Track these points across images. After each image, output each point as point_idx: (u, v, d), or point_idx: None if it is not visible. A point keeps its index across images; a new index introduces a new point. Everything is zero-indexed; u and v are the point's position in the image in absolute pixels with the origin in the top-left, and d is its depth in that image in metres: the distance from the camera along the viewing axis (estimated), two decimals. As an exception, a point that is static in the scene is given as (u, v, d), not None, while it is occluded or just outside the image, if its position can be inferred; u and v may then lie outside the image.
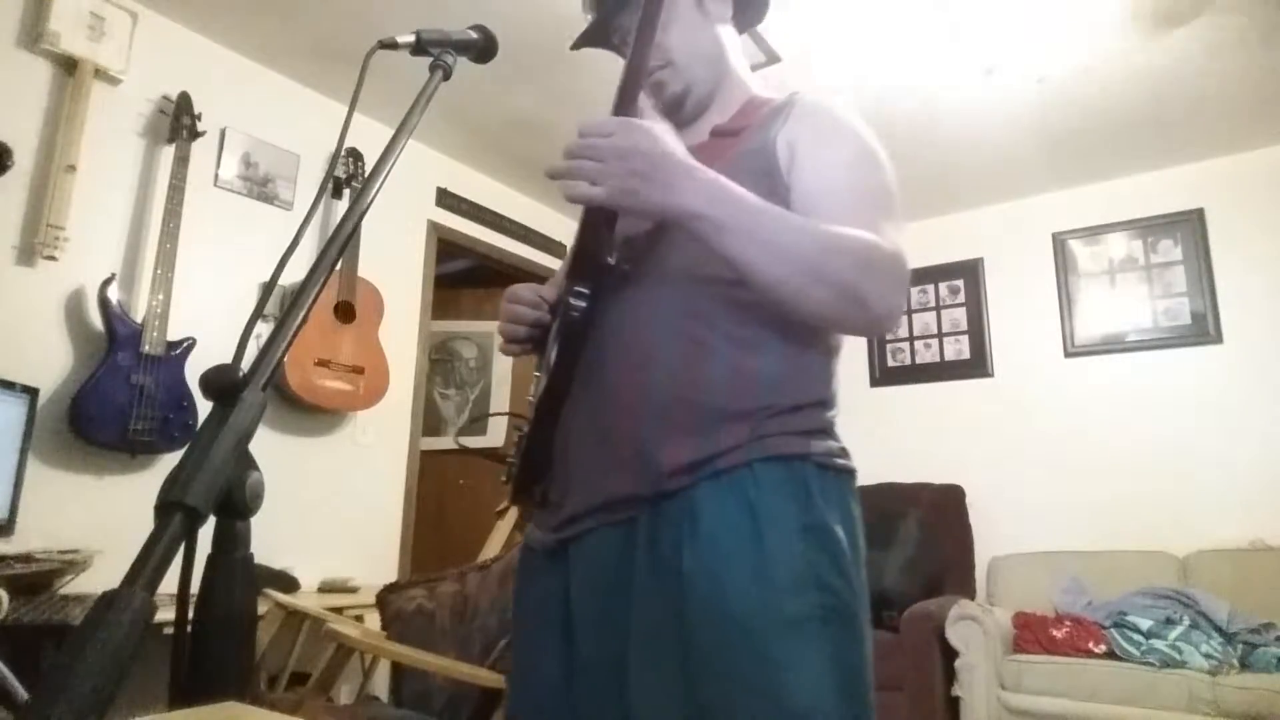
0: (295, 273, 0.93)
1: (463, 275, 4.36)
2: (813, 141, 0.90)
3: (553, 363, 0.88)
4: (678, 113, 1.04)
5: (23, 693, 1.35)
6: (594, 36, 1.07)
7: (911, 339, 4.30)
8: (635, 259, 0.89)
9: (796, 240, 0.79)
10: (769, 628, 0.75)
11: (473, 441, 4.17)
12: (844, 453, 0.88)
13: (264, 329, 2.41)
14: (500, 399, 4.23)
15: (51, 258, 2.26)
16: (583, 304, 0.85)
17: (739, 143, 0.95)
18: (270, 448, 2.74)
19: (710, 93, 1.02)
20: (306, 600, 2.36)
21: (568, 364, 0.88)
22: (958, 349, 4.15)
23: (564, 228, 4.20)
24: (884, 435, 4.19)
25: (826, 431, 0.88)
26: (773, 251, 0.78)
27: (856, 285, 0.79)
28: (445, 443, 4.10)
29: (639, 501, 0.84)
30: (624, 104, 0.82)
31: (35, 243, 2.25)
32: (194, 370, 2.46)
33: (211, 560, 0.54)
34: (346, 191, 3.11)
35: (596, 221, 0.84)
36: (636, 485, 0.83)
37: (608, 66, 0.95)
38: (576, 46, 1.10)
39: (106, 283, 2.33)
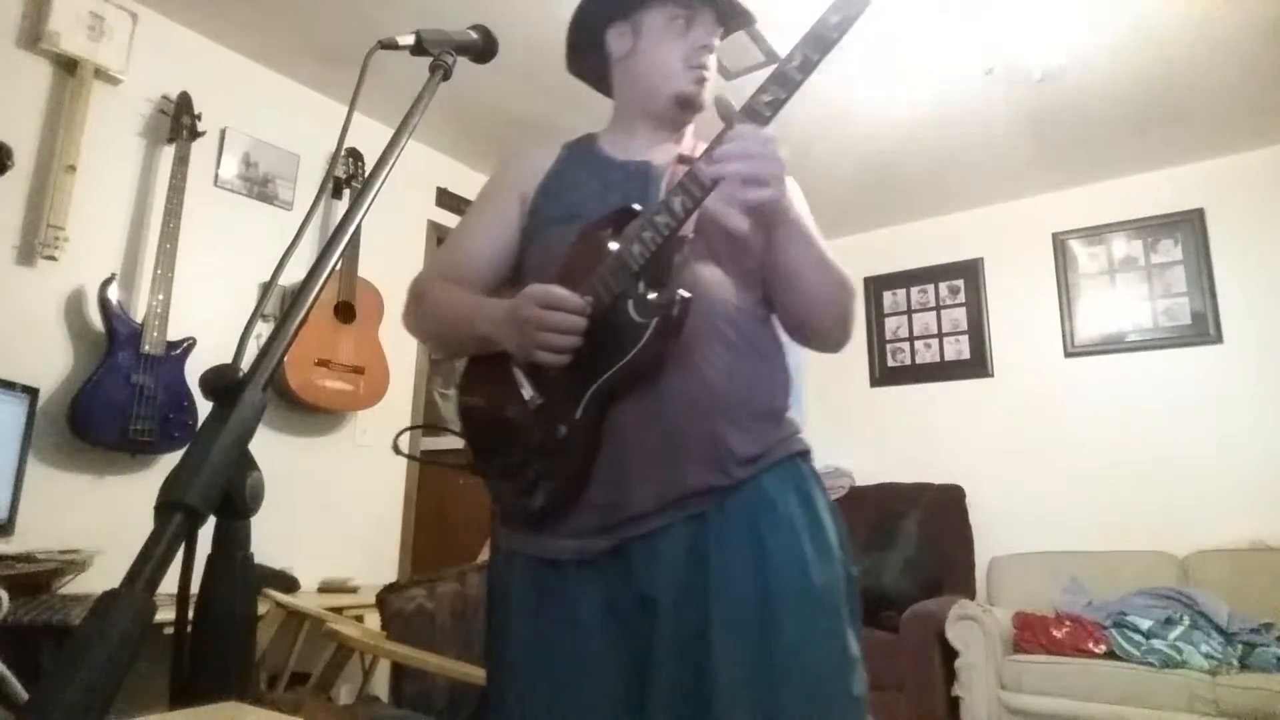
0: (295, 273, 0.93)
1: (463, 275, 4.35)
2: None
3: (623, 366, 0.90)
4: (684, 114, 1.09)
5: (23, 693, 1.35)
6: None
7: (911, 339, 4.30)
8: (685, 263, 0.98)
9: (827, 261, 0.98)
10: (834, 589, 0.91)
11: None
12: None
13: (264, 329, 2.41)
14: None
15: (51, 258, 2.26)
16: (690, 300, 0.88)
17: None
18: (270, 448, 2.74)
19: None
20: (306, 600, 2.36)
21: (652, 364, 0.90)
22: (958, 349, 4.15)
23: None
24: (884, 435, 4.20)
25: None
26: (816, 268, 0.98)
27: (850, 309, 1.02)
28: (446, 443, 4.08)
29: (714, 493, 0.92)
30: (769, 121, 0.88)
31: (35, 243, 2.25)
32: (194, 370, 2.46)
33: (211, 560, 0.54)
34: (346, 191, 3.11)
35: (682, 221, 0.90)
36: (713, 477, 0.92)
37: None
38: None
39: (106, 283, 2.33)
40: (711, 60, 1.07)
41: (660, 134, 1.10)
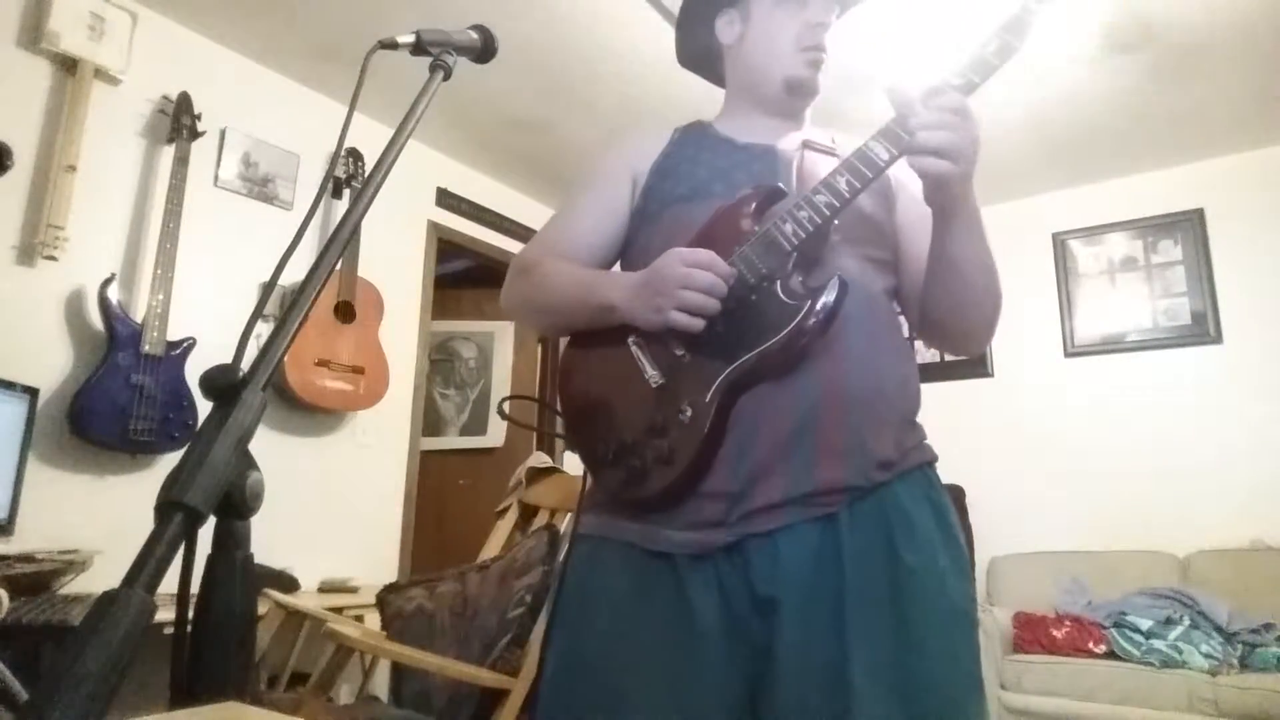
0: (295, 273, 0.93)
1: (463, 275, 4.36)
2: (907, 179, 0.97)
3: (764, 351, 0.84)
4: (796, 100, 1.07)
5: (23, 693, 1.35)
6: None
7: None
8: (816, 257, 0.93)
9: (991, 260, 0.94)
10: (968, 615, 0.88)
11: (471, 442, 4.17)
12: None
13: (264, 329, 2.41)
14: (500, 398, 4.22)
15: (51, 258, 2.26)
16: (839, 295, 0.83)
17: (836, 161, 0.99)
18: (270, 448, 2.74)
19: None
20: (306, 600, 2.36)
21: (799, 351, 0.84)
22: (958, 349, 4.14)
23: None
24: (884, 435, 4.20)
25: None
26: (984, 256, 0.93)
27: (999, 309, 0.98)
28: (446, 443, 4.10)
29: (846, 492, 0.86)
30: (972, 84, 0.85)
31: (35, 243, 2.25)
32: (194, 370, 2.46)
33: (211, 560, 0.54)
34: (346, 191, 3.12)
35: (847, 201, 0.85)
36: (848, 476, 0.86)
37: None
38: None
39: (106, 283, 2.33)
40: (829, 40, 1.02)
41: (775, 121, 1.06)
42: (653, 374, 0.89)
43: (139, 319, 2.36)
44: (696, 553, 0.86)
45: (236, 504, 0.53)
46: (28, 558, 1.94)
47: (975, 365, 4.07)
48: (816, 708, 0.80)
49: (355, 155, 3.13)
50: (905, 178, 0.97)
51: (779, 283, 0.85)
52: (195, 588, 0.53)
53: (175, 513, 0.47)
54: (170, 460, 2.39)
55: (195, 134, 2.56)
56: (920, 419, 1.03)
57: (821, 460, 0.85)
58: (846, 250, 0.93)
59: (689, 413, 0.86)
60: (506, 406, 1.20)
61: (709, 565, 0.86)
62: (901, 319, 1.06)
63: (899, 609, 0.83)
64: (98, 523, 2.28)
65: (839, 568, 0.84)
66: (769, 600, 0.83)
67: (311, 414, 2.92)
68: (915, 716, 0.80)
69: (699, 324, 0.85)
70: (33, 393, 2.10)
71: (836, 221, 0.88)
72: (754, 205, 0.91)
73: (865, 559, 0.84)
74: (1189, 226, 3.63)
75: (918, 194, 0.89)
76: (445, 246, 3.65)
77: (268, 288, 0.80)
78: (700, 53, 1.14)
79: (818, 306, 0.83)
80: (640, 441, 0.89)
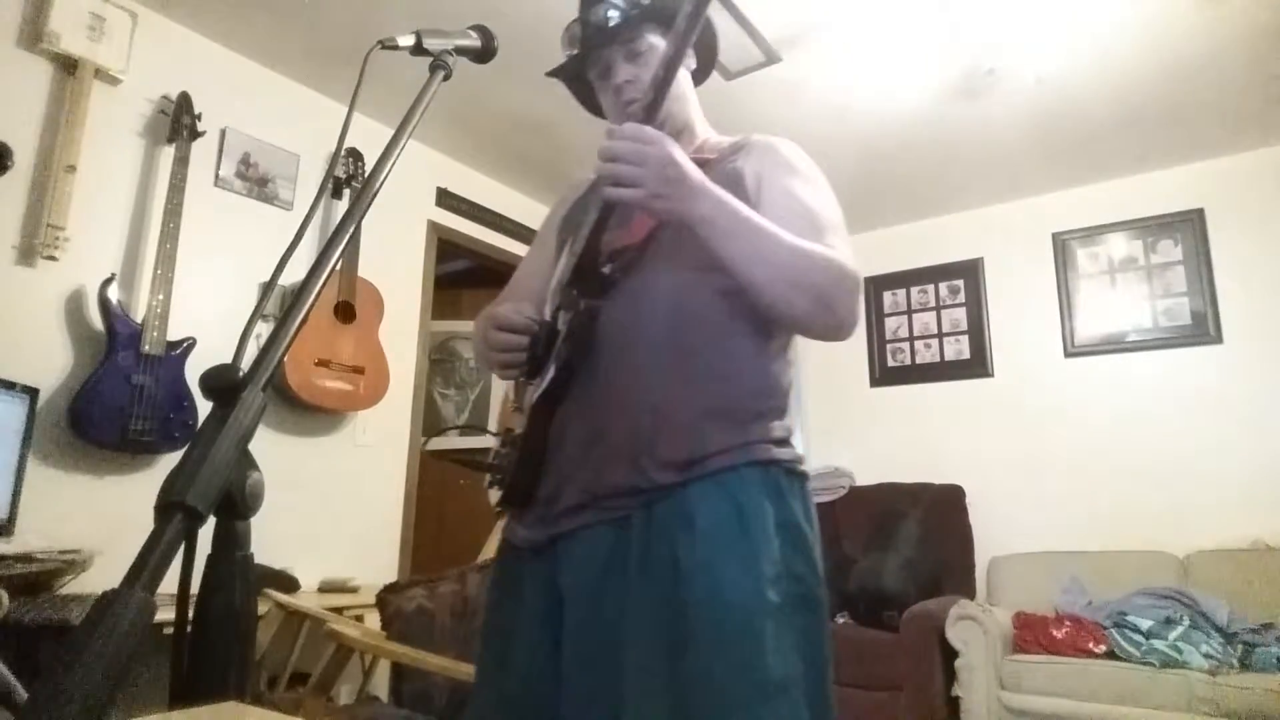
0: (295, 273, 0.93)
1: (463, 275, 4.36)
2: (777, 173, 1.03)
3: (555, 370, 0.95)
4: None
5: (23, 693, 1.35)
6: (569, 70, 1.17)
7: (911, 339, 4.30)
8: (626, 269, 0.98)
9: (781, 250, 0.90)
10: (757, 614, 0.85)
11: (472, 442, 4.17)
12: (802, 459, 1.00)
13: (264, 329, 2.41)
14: (499, 399, 4.22)
15: (51, 258, 2.26)
16: (593, 312, 0.93)
17: (708, 170, 1.03)
18: (270, 448, 2.74)
19: (680, 128, 1.12)
20: (306, 600, 2.36)
21: (571, 369, 0.95)
22: (958, 349, 4.15)
23: (564, 228, 4.19)
24: (884, 435, 4.20)
25: (788, 440, 0.99)
26: (762, 257, 0.90)
27: (827, 293, 0.92)
28: (446, 443, 4.10)
29: (634, 494, 0.91)
30: (650, 119, 0.90)
31: (35, 243, 2.25)
32: (194, 370, 2.46)
33: (211, 560, 0.54)
34: (346, 191, 3.11)
35: (599, 229, 0.93)
36: (633, 478, 0.91)
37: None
38: (551, 74, 1.20)
39: (106, 283, 2.33)
40: (636, 88, 1.07)
41: None
42: (512, 399, 1.05)
43: (139, 319, 2.36)
44: (533, 549, 0.98)
45: (236, 504, 0.53)
46: (27, 558, 1.94)
47: (975, 365, 4.07)
48: (595, 702, 0.87)
49: (355, 155, 3.13)
50: (765, 179, 1.01)
51: (563, 313, 0.96)
52: (195, 588, 0.53)
53: (175, 513, 0.48)
54: (170, 460, 2.39)
55: (195, 134, 2.56)
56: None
57: (610, 465, 0.92)
58: (667, 263, 0.97)
59: (520, 428, 1.01)
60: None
61: (541, 560, 0.97)
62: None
63: (673, 608, 0.85)
64: (98, 523, 2.28)
65: (625, 567, 0.89)
66: (562, 595, 0.94)
67: (311, 414, 2.92)
68: (681, 714, 0.82)
69: (513, 373, 1.02)
70: (33, 393, 2.10)
71: (638, 241, 0.99)
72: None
73: (649, 559, 0.88)
74: (1189, 226, 3.63)
75: (777, 194, 0.99)
76: (445, 246, 3.65)
77: (268, 288, 0.80)
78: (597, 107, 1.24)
79: (567, 332, 0.95)
80: (500, 453, 1.06)
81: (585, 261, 0.94)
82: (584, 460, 0.94)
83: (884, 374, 4.34)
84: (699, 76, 1.23)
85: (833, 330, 0.95)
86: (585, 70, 1.15)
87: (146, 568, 0.45)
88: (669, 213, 0.89)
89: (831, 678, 0.91)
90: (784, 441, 0.98)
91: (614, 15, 1.08)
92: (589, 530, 0.93)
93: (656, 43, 1.10)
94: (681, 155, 0.87)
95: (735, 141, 1.10)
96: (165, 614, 0.50)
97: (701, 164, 1.05)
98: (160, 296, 2.38)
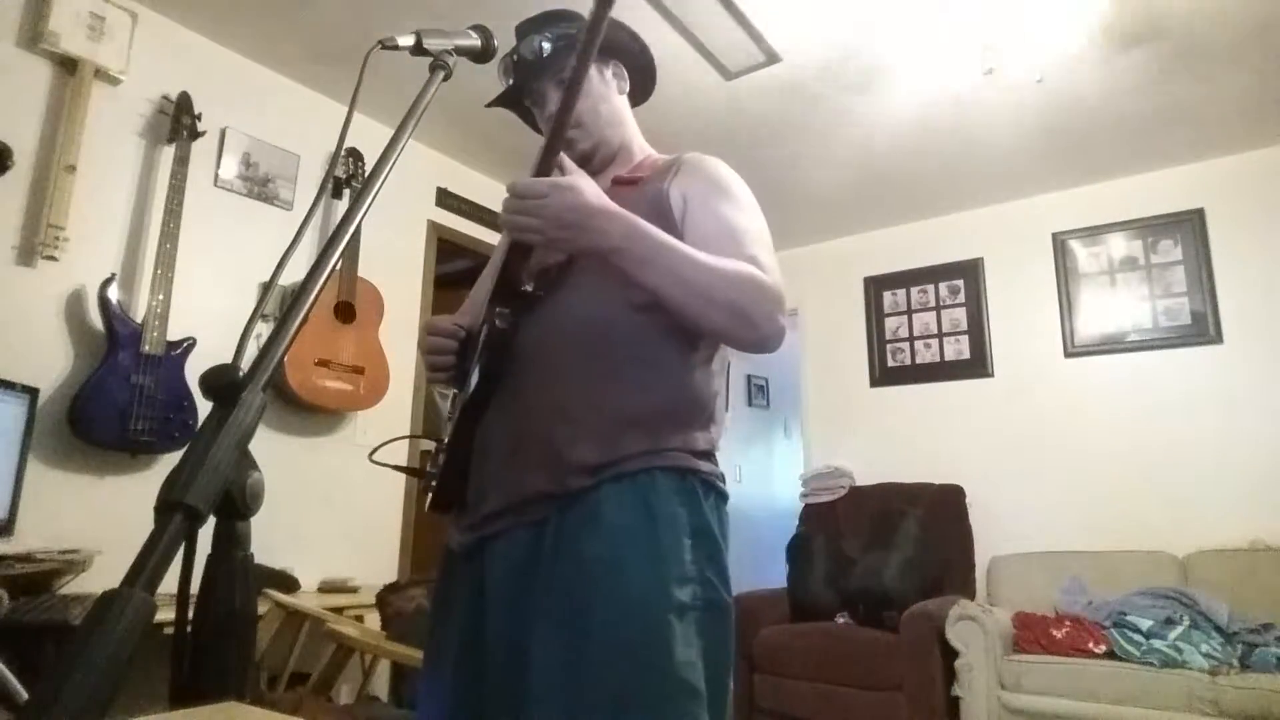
0: (295, 273, 0.93)
1: (463, 275, 4.35)
2: (703, 192, 1.06)
3: (476, 379, 0.99)
4: (586, 166, 1.15)
5: (23, 693, 1.35)
6: (508, 99, 1.21)
7: (911, 339, 4.30)
8: (548, 286, 1.02)
9: (696, 271, 0.93)
10: (660, 610, 0.86)
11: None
12: (723, 478, 1.03)
13: (264, 329, 2.41)
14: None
15: (51, 258, 2.26)
16: (505, 325, 0.97)
17: (636, 190, 1.09)
18: (270, 448, 2.74)
19: (613, 151, 1.18)
20: (306, 600, 2.36)
21: (490, 379, 0.99)
22: (958, 349, 4.15)
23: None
24: (884, 435, 4.20)
25: (712, 455, 1.02)
26: (676, 279, 0.92)
27: (745, 309, 0.94)
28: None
29: (550, 500, 0.94)
30: (548, 161, 0.93)
31: (35, 243, 2.25)
32: (194, 370, 2.46)
33: (211, 560, 0.54)
34: (346, 191, 3.11)
35: (517, 256, 0.97)
36: (547, 484, 0.94)
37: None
38: (490, 105, 1.24)
39: (106, 283, 2.33)
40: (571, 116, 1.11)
41: (596, 179, 1.13)
42: (452, 408, 1.07)
43: (139, 319, 2.36)
44: (464, 553, 1.01)
45: (236, 504, 0.53)
46: (28, 558, 1.94)
47: (975, 365, 4.07)
48: (510, 704, 0.89)
49: (355, 155, 3.13)
50: (691, 198, 1.05)
51: (494, 319, 0.98)
52: (195, 588, 0.53)
53: (175, 513, 0.47)
54: (170, 460, 2.39)
55: (195, 134, 2.56)
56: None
57: (526, 471, 0.96)
58: (584, 281, 1.01)
59: (448, 435, 1.05)
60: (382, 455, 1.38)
61: (471, 565, 1.00)
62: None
63: (578, 605, 0.87)
64: (98, 523, 2.28)
65: (538, 569, 0.92)
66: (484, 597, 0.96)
67: (311, 414, 2.92)
68: (580, 711, 0.83)
69: (440, 376, 1.09)
70: (33, 393, 2.10)
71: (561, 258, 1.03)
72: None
73: (558, 558, 0.91)
74: (1189, 226, 3.63)
75: (702, 213, 1.03)
76: (445, 246, 3.65)
77: (268, 288, 0.80)
78: None
79: (483, 343, 0.98)
80: (434, 460, 1.08)
81: (504, 279, 0.98)
82: (504, 467, 0.97)
83: (884, 374, 4.34)
84: (637, 97, 1.26)
85: (755, 344, 0.97)
86: (521, 99, 1.20)
87: (146, 568, 0.45)
88: (573, 251, 0.95)
89: (730, 690, 0.93)
90: (706, 455, 1.00)
91: (545, 47, 1.13)
92: (509, 534, 0.96)
93: (589, 74, 1.13)
94: (584, 197, 0.89)
95: (669, 160, 1.14)
96: (165, 614, 0.50)
97: (632, 183, 1.11)
98: (160, 296, 2.38)
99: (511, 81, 1.18)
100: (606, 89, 1.18)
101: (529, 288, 1.00)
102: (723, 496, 1.01)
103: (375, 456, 1.24)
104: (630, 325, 0.99)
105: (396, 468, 1.36)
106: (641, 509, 0.91)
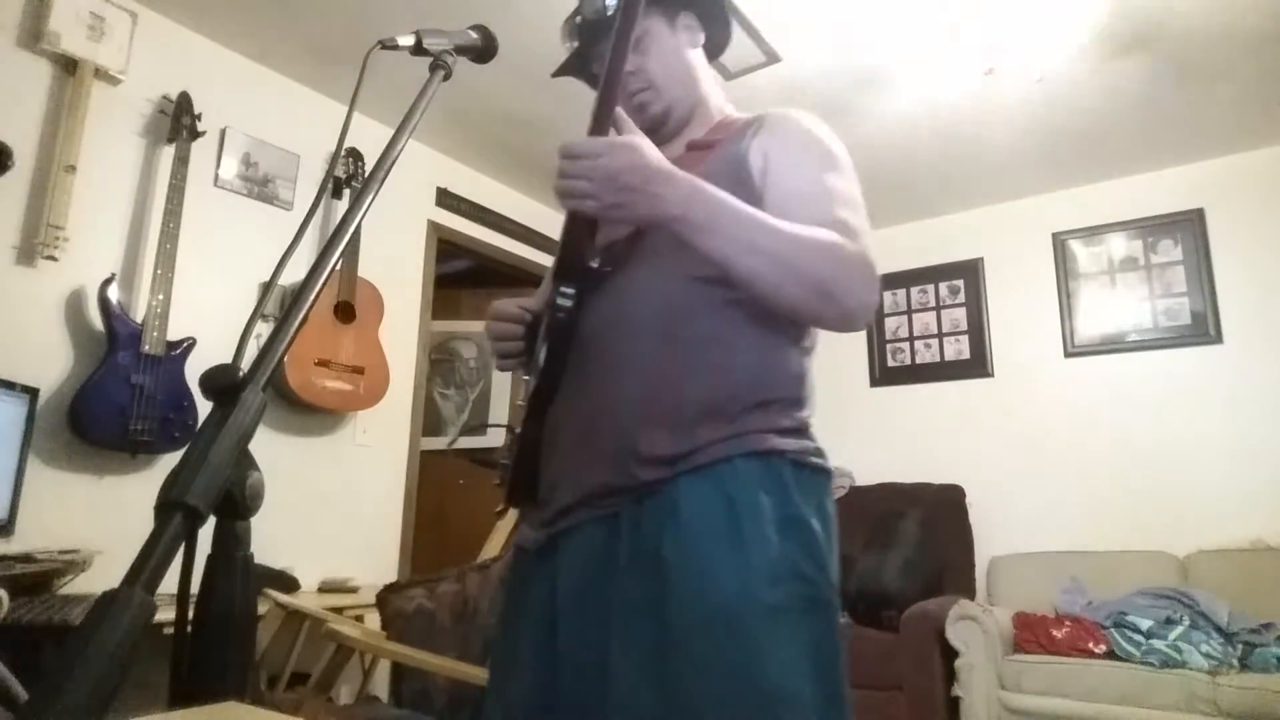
0: (295, 273, 0.93)
1: (463, 275, 4.35)
2: (784, 150, 0.96)
3: (541, 365, 0.91)
4: (659, 130, 1.07)
5: (23, 693, 1.35)
6: (574, 65, 1.12)
7: (911, 339, 4.30)
8: (615, 262, 0.94)
9: (769, 238, 0.84)
10: (748, 615, 0.78)
11: (472, 442, 4.17)
12: (820, 452, 0.93)
13: (264, 329, 2.41)
14: (501, 399, 4.23)
15: (51, 258, 2.26)
16: (569, 304, 0.88)
17: (712, 154, 1.00)
18: (270, 448, 2.74)
19: (688, 112, 1.08)
20: (306, 600, 2.36)
21: (556, 364, 0.91)
22: (958, 349, 4.15)
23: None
24: (884, 435, 4.20)
25: (802, 430, 0.93)
26: (746, 247, 0.83)
27: (826, 281, 0.85)
28: (446, 443, 4.09)
29: (620, 493, 0.88)
30: (602, 120, 0.84)
31: (35, 243, 2.25)
32: (194, 370, 2.46)
33: (211, 560, 0.54)
34: (346, 191, 3.11)
35: (579, 229, 0.88)
36: (616, 477, 0.88)
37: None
38: (557, 74, 1.15)
39: (106, 283, 2.33)
40: (641, 78, 1.04)
41: (662, 148, 1.08)
42: (524, 394, 1.00)
43: (139, 319, 2.36)
44: (538, 550, 0.96)
45: (236, 504, 0.53)
46: (28, 558, 1.94)
47: (975, 365, 4.07)
48: (589, 711, 0.84)
49: (355, 155, 3.13)
50: (773, 157, 0.95)
51: (556, 301, 0.89)
52: (195, 588, 0.53)
53: (175, 513, 0.47)
54: (170, 460, 2.39)
55: (195, 134, 2.56)
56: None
57: (597, 464, 0.90)
58: (652, 258, 0.93)
59: (519, 427, 0.97)
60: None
61: (544, 563, 0.95)
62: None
63: (659, 609, 0.80)
64: (98, 523, 2.28)
65: (614, 567, 0.86)
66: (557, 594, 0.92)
67: (311, 414, 2.92)
68: None
69: (510, 363, 1.02)
70: (33, 393, 2.10)
71: (624, 235, 0.96)
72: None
73: (635, 557, 0.85)
74: (1189, 226, 3.63)
75: (783, 173, 0.93)
76: (445, 246, 3.65)
77: (268, 288, 0.80)
78: None
79: (546, 330, 0.91)
80: (508, 449, 1.02)
81: (566, 255, 0.89)
82: (575, 458, 0.92)
83: (884, 374, 4.34)
84: (713, 50, 1.15)
85: (839, 320, 0.88)
86: (588, 64, 1.10)
87: (146, 568, 0.45)
88: (631, 219, 0.86)
89: (848, 692, 0.82)
90: (793, 431, 0.91)
91: (610, 4, 1.01)
92: (581, 529, 0.91)
93: (657, 29, 1.05)
94: (644, 159, 0.82)
95: (750, 118, 1.03)
96: (165, 614, 0.50)
97: (708, 147, 1.02)
98: (160, 296, 2.38)
99: (576, 45, 1.08)
100: (677, 44, 1.07)
101: (594, 264, 0.92)
102: (821, 472, 0.91)
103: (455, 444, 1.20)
104: (702, 303, 0.91)
105: (471, 459, 1.33)
106: (720, 503, 0.83)
